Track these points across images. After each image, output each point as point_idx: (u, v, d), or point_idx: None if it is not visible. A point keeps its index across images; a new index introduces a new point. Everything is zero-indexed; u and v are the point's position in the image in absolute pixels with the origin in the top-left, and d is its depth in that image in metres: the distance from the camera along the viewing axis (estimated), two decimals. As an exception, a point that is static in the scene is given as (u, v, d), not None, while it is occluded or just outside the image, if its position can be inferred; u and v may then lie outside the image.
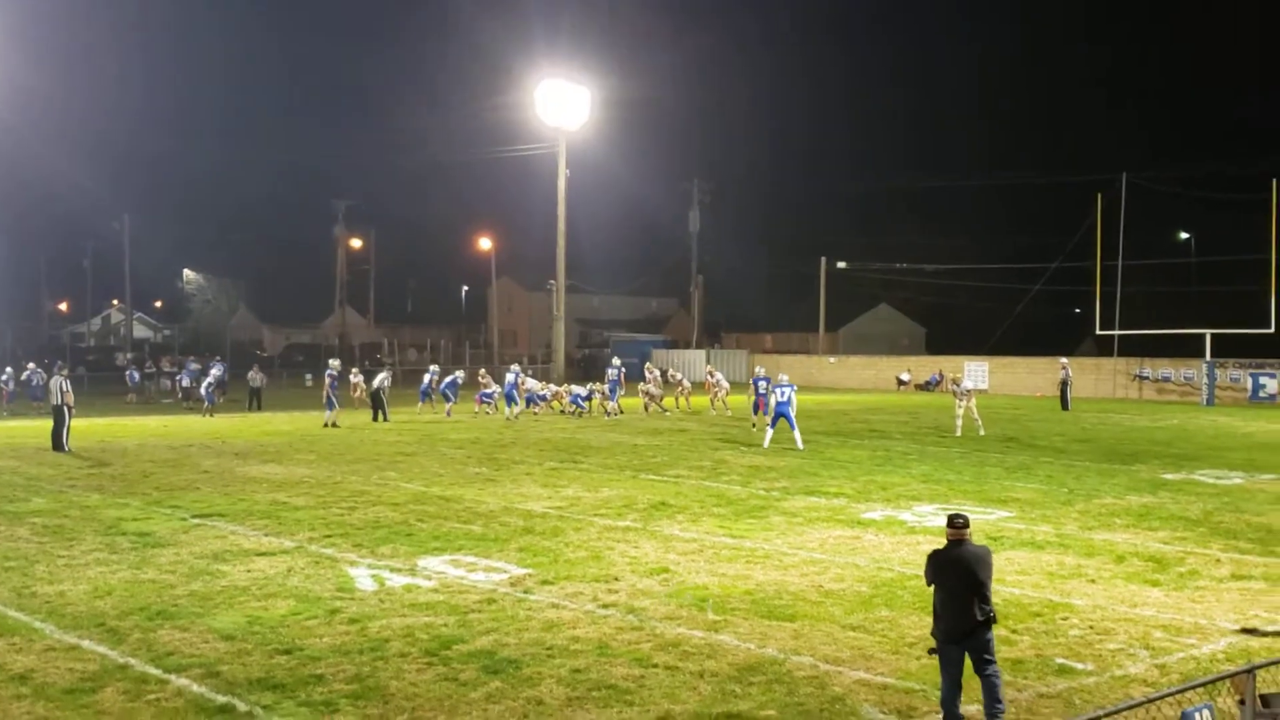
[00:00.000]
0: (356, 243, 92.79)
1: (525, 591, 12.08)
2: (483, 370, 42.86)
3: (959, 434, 30.46)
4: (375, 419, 34.96)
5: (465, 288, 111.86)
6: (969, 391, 31.94)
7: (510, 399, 36.31)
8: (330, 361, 37.18)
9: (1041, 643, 10.25)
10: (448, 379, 38.81)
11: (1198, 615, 11.27)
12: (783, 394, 26.82)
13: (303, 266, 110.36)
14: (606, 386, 39.00)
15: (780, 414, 26.76)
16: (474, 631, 10.48)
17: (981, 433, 30.83)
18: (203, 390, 39.97)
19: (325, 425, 33.02)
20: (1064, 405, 42.91)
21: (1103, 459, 25.14)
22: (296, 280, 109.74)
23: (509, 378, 36.91)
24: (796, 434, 26.61)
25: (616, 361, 41.73)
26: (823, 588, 12.30)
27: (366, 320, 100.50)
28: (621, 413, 37.87)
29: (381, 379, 36.62)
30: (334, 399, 33.94)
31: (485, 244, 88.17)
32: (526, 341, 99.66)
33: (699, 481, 21.07)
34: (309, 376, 63.28)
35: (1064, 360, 47.38)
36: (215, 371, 42.01)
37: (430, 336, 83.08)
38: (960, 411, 31.34)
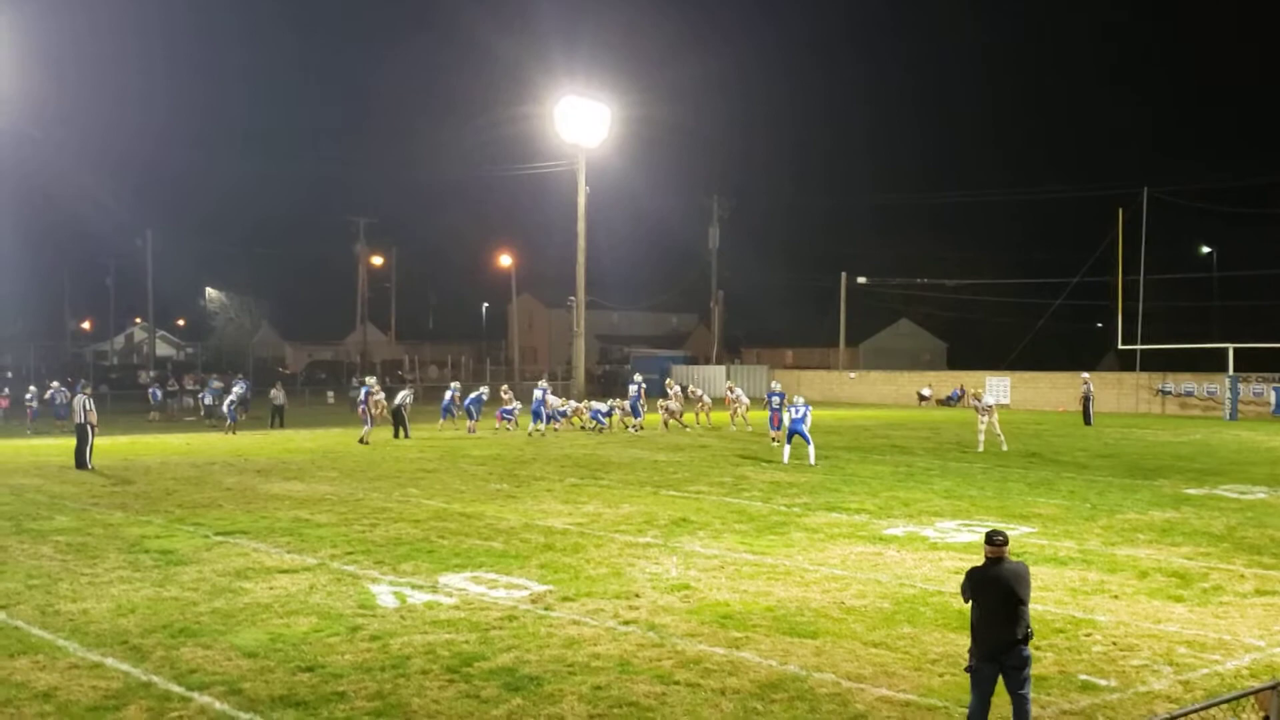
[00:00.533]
0: (378, 260, 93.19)
1: (546, 608, 12.08)
2: (505, 387, 42.97)
3: (981, 449, 30.36)
4: (396, 435, 35.05)
5: (486, 304, 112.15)
6: (990, 407, 31.93)
7: (537, 415, 36.47)
8: (367, 380, 37.38)
9: (1065, 659, 10.20)
10: (471, 395, 38.84)
11: (1221, 631, 11.20)
12: (797, 410, 26.86)
13: (325, 284, 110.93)
14: (628, 403, 39.10)
15: (794, 430, 26.74)
16: (495, 648, 10.48)
17: (1004, 448, 30.72)
18: (225, 408, 40.08)
19: (361, 441, 33.17)
20: (1086, 420, 42.76)
21: (1125, 474, 25.01)
22: (318, 297, 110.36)
23: (536, 394, 37.08)
24: (811, 449, 26.58)
25: (638, 378, 41.71)
26: (844, 604, 12.27)
27: (388, 337, 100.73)
28: (642, 429, 37.86)
29: (403, 396, 36.74)
30: (370, 416, 34.05)
31: (506, 261, 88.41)
32: (547, 358, 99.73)
33: (720, 497, 21.04)
34: (331, 394, 63.54)
35: (1085, 375, 47.22)
36: (238, 389, 42.14)
37: (451, 353, 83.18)
38: (983, 427, 31.28)
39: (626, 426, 38.32)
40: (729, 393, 40.61)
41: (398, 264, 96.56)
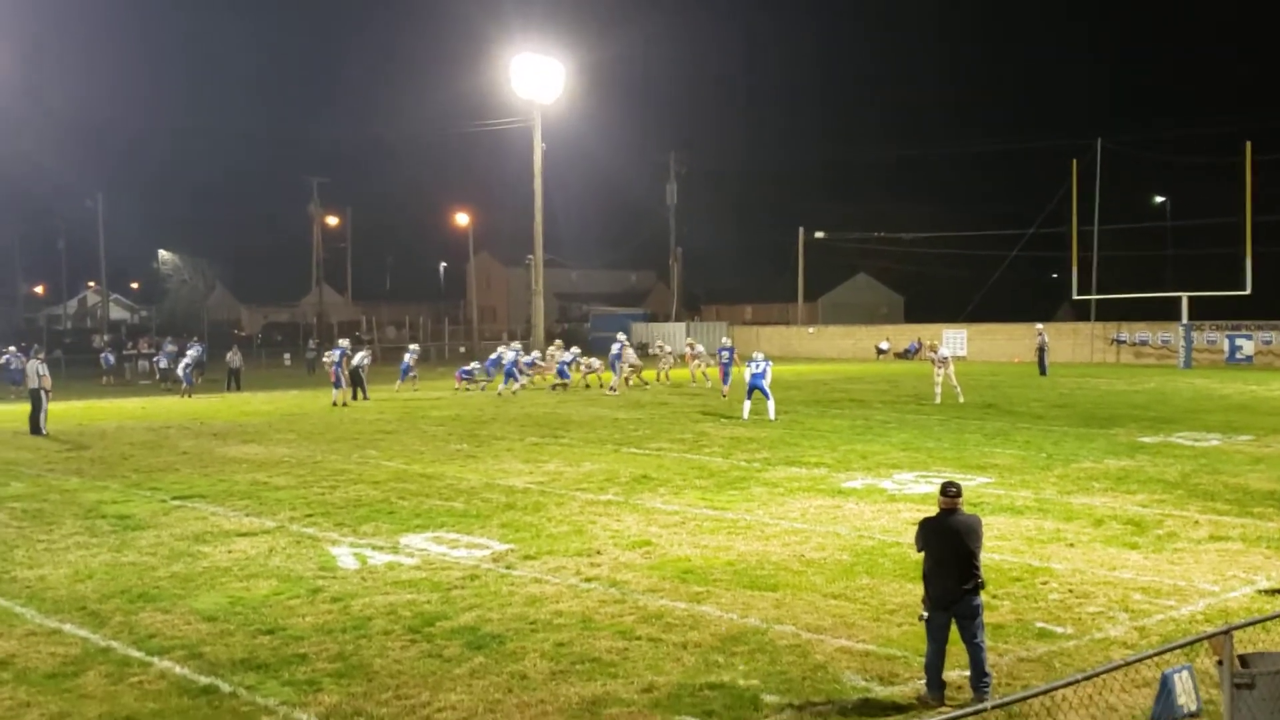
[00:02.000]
0: (333, 220, 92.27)
1: (508, 567, 12.09)
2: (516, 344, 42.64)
3: (938, 401, 30.57)
4: (355, 397, 34.87)
5: (443, 264, 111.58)
6: (946, 359, 32.12)
7: (510, 375, 36.33)
8: (341, 342, 36.99)
9: (1021, 607, 10.31)
10: (507, 358, 37.25)
11: (1176, 577, 11.36)
12: (758, 366, 26.91)
13: (279, 245, 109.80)
14: (610, 360, 38.39)
15: (754, 386, 26.83)
16: (457, 608, 10.49)
17: (961, 400, 30.96)
18: (180, 371, 39.65)
19: (336, 404, 32.94)
20: (1041, 371, 43.15)
21: (1081, 423, 25.26)
22: (273, 259, 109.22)
23: (509, 355, 36.89)
24: (770, 405, 26.65)
25: (621, 337, 40.64)
26: (804, 557, 12.35)
27: (344, 298, 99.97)
28: (615, 390, 37.15)
29: (361, 357, 36.50)
30: (341, 378, 33.82)
31: (463, 219, 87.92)
32: (506, 317, 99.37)
33: (680, 454, 21.10)
34: (288, 356, 63.12)
35: (1040, 326, 47.59)
36: (193, 352, 41.66)
37: (409, 314, 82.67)
38: (939, 379, 31.46)
39: (604, 386, 38.05)
40: (689, 349, 40.95)
41: (353, 224, 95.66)
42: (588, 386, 38.96)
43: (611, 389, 36.87)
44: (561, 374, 38.67)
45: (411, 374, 38.98)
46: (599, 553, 12.71)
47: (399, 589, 11.20)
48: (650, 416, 28.36)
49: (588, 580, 11.49)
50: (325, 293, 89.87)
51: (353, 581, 11.54)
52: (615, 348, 38.53)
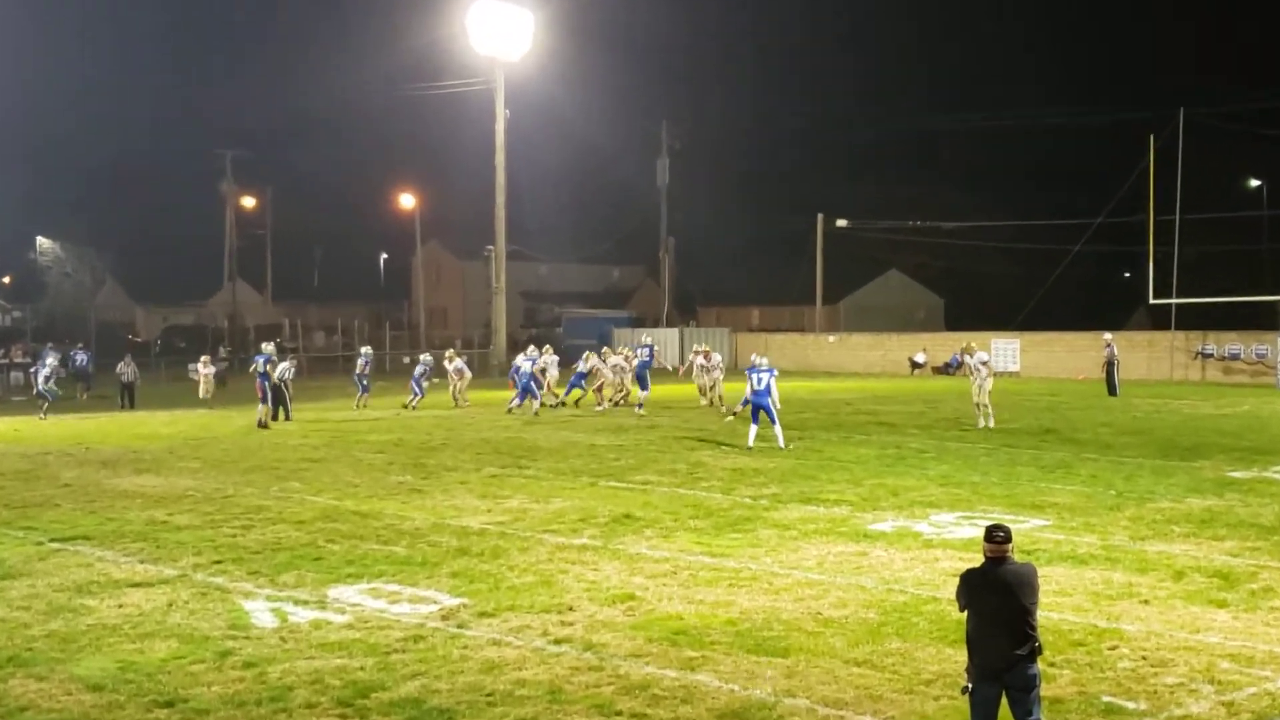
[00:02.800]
0: (249, 202, 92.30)
1: (460, 626, 12.07)
2: (450, 352, 42.36)
3: (985, 425, 30.50)
4: (275, 417, 34.83)
5: (384, 256, 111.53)
6: (986, 364, 31.23)
7: (527, 390, 36.42)
8: (265, 347, 36.82)
9: (1085, 677, 10.33)
10: (528, 367, 37.12)
11: (1273, 642, 11.39)
12: (760, 380, 26.59)
13: (184, 232, 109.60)
14: (633, 373, 37.65)
15: (759, 406, 26.64)
16: (397, 676, 10.47)
17: (982, 424, 30.41)
18: (39, 384, 38.62)
19: (260, 424, 33.24)
20: (1110, 390, 43.29)
21: (1158, 454, 25.34)
22: (176, 249, 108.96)
23: (525, 365, 36.73)
24: (778, 430, 26.49)
25: (648, 339, 39.71)
26: (821, 615, 12.36)
27: (263, 297, 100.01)
28: (627, 404, 36.79)
29: (283, 369, 36.42)
30: (267, 393, 34.03)
31: (408, 202, 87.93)
32: (460, 320, 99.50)
33: (672, 489, 21.10)
34: (194, 367, 62.89)
35: (1109, 336, 47.71)
36: (51, 360, 39.96)
37: (342, 316, 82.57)
38: (981, 395, 30.83)
39: (617, 404, 37.40)
40: (703, 360, 38.87)
41: (275, 207, 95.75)
42: (575, 404, 38.90)
43: (639, 407, 35.77)
44: (579, 385, 38.31)
45: (365, 386, 39.06)
46: (571, 609, 12.69)
47: (326, 653, 11.16)
48: (635, 443, 28.37)
49: (557, 642, 11.48)
50: (240, 290, 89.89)
51: (270, 643, 11.50)
52: (644, 352, 37.90)
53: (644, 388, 36.56)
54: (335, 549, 15.96)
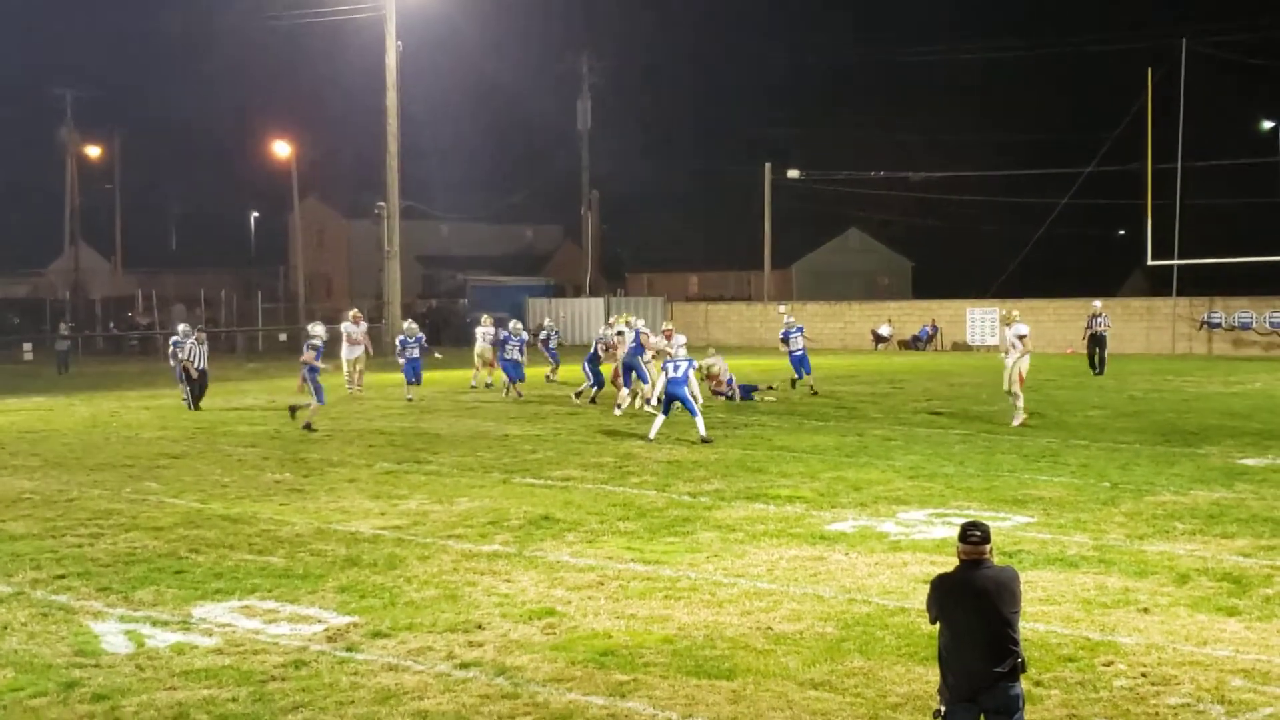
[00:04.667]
0: (94, 151, 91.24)
1: (349, 649, 12.03)
2: (352, 313, 39.78)
3: (1019, 422, 28.17)
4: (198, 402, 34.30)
5: (255, 215, 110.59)
6: (1024, 339, 28.91)
7: (514, 372, 36.37)
8: (181, 326, 35.90)
9: (1076, 698, 10.44)
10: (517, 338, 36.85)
11: (1289, 654, 11.56)
12: (676, 368, 26.52)
13: (16, 188, 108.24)
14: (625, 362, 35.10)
15: (674, 396, 26.47)
16: (275, 708, 10.43)
17: (1018, 421, 28.45)
18: None
19: (305, 425, 29.70)
20: (1094, 366, 42.43)
21: (1158, 439, 25.61)
22: (5, 209, 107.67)
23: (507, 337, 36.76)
24: (699, 421, 26.27)
25: (640, 323, 37.51)
26: (772, 630, 12.42)
27: (111, 263, 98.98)
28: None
29: (192, 351, 35.15)
30: (187, 374, 33.71)
31: (283, 151, 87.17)
32: (345, 289, 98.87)
33: (598, 485, 21.11)
34: (28, 347, 62.28)
35: (1098, 304, 47.20)
36: None
37: (205, 285, 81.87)
38: (1013, 382, 28.53)
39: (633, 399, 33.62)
40: (614, 335, 37.04)
41: (125, 158, 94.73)
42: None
43: (650, 403, 31.76)
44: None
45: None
46: (480, 627, 12.69)
47: (191, 682, 11.10)
48: (553, 432, 28.35)
49: (463, 666, 11.47)
50: (84, 256, 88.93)
51: (124, 672, 11.42)
52: (504, 336, 37.16)
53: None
54: (200, 560, 15.84)
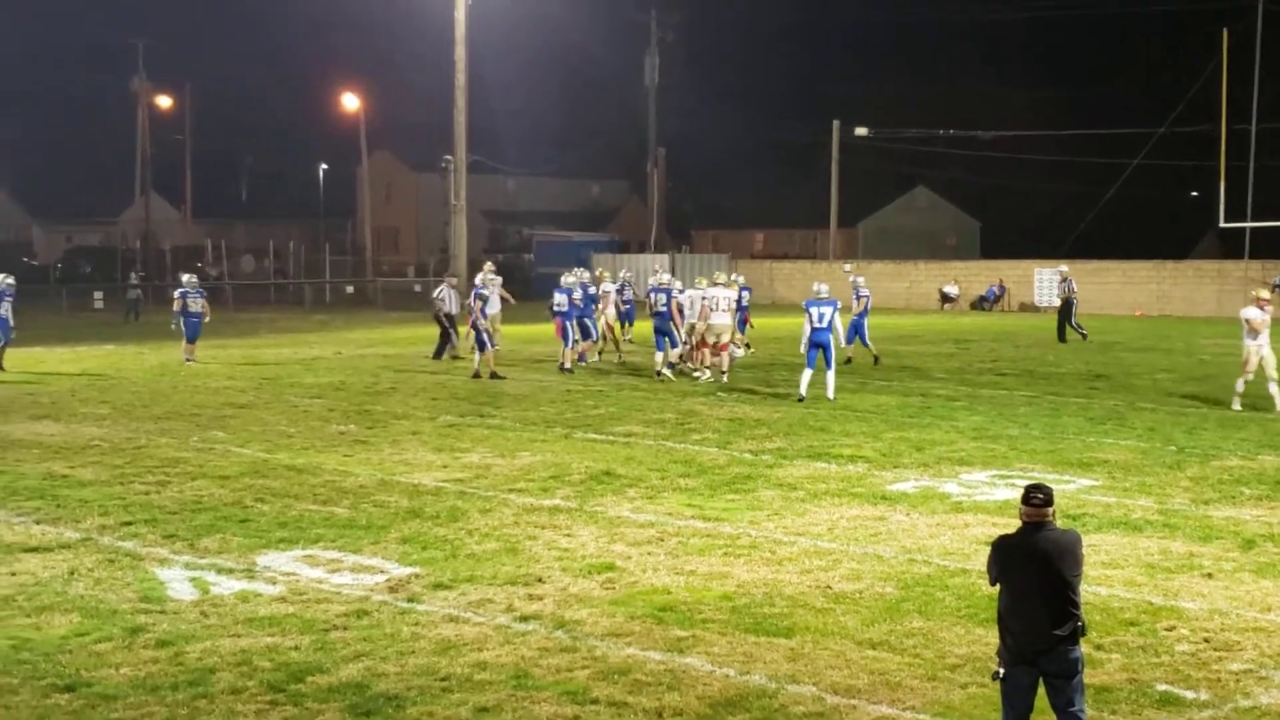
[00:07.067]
0: (165, 101, 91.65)
1: (410, 600, 12.09)
2: (488, 265, 38.24)
3: (1238, 407, 24.62)
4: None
5: (324, 167, 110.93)
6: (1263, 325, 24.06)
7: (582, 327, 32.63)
8: (184, 278, 35.70)
9: (1137, 662, 10.39)
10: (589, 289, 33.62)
11: (1355, 622, 11.46)
12: (820, 316, 25.51)
13: (88, 138, 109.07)
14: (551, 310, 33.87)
15: (818, 344, 25.49)
16: (337, 657, 10.49)
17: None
18: None
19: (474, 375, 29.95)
20: (1061, 335, 39.60)
21: (1226, 404, 25.38)
22: (79, 157, 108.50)
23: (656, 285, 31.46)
24: (830, 376, 25.63)
25: (677, 284, 34.72)
26: (831, 589, 12.40)
27: (181, 214, 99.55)
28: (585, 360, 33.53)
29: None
30: (485, 331, 30.42)
31: (352, 104, 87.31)
32: (414, 243, 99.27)
33: (659, 442, 21.11)
34: (99, 295, 62.74)
35: (1064, 269, 42.40)
36: None
37: (274, 237, 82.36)
38: (1256, 359, 24.14)
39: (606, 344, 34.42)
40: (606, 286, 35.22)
41: (195, 108, 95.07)
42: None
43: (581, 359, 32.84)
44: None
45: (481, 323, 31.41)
46: (541, 581, 12.73)
47: (255, 630, 11.19)
48: (616, 389, 28.34)
49: (524, 619, 11.51)
50: (154, 206, 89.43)
51: (189, 618, 11.52)
52: (559, 295, 34.66)
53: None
54: (265, 509, 15.95)
